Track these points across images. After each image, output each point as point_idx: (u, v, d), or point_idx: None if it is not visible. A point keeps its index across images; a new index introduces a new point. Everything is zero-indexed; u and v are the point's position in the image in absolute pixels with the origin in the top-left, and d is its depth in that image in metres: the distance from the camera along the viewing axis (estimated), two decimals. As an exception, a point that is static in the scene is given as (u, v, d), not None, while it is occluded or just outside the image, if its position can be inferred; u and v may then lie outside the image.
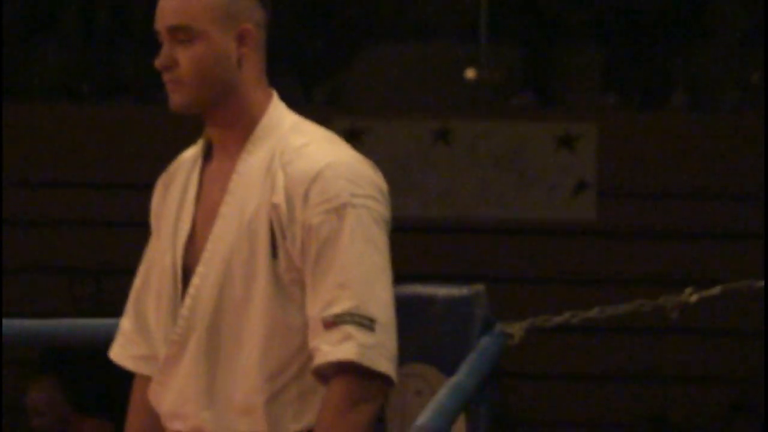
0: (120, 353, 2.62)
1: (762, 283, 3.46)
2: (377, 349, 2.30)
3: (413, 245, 9.09)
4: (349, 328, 2.28)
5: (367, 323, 2.31)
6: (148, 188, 2.64)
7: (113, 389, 8.92)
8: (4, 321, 4.98)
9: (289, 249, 2.37)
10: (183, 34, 2.45)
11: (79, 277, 10.28)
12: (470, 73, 10.96)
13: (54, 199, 11.08)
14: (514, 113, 10.85)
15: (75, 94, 12.23)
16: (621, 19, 11.40)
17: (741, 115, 10.94)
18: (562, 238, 10.31)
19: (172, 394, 2.48)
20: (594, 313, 3.24)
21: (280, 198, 2.39)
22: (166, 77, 2.45)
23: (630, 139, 10.53)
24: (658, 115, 10.82)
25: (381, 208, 2.38)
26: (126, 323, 2.61)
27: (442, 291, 2.99)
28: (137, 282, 2.58)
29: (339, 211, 2.34)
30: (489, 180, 10.19)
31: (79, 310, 9.09)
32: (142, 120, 10.64)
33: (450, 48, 11.11)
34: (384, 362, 2.29)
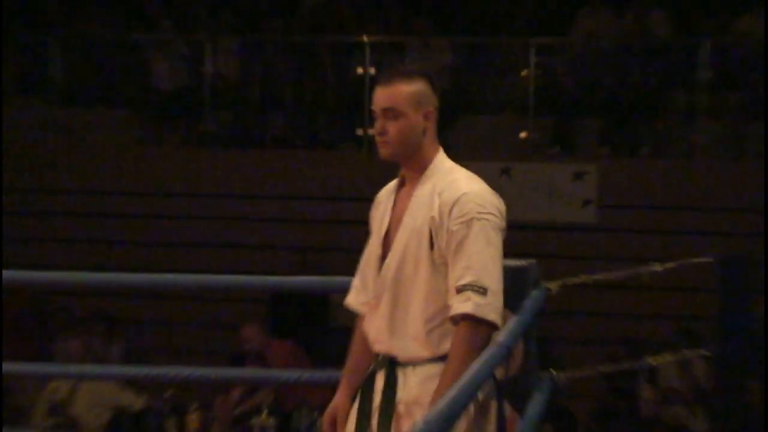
0: (353, 300, 2.95)
1: (699, 260, 4.21)
2: (487, 306, 2.63)
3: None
4: (470, 293, 2.61)
5: (481, 290, 2.62)
6: (367, 200, 3.16)
7: (299, 320, 9.45)
8: (260, 277, 5.87)
9: (439, 244, 2.69)
10: (391, 113, 2.73)
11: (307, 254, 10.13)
12: (523, 134, 10.82)
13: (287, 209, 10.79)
14: (548, 158, 10.86)
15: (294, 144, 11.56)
16: (611, 100, 10.90)
17: (687, 161, 10.73)
18: (575, 233, 10.34)
19: (375, 327, 2.81)
20: (600, 277, 4.12)
21: (436, 213, 2.69)
22: (378, 140, 2.78)
23: (616, 175, 10.49)
24: (634, 161, 10.80)
25: (497, 221, 2.72)
26: (356, 282, 2.94)
27: (511, 263, 3.12)
28: (362, 260, 2.91)
29: (468, 222, 2.67)
30: (533, 199, 10.12)
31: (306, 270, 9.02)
32: (349, 164, 10.52)
33: (511, 119, 10.99)
34: (491, 314, 2.63)
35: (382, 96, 2.75)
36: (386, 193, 2.92)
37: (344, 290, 3.10)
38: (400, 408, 2.76)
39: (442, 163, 2.81)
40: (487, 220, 2.69)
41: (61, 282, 6.91)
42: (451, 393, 2.07)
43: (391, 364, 2.79)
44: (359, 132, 10.61)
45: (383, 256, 2.83)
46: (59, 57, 11.26)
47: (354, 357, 2.96)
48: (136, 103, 11.15)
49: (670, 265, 4.20)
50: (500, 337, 2.69)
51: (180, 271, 6.75)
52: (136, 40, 11.42)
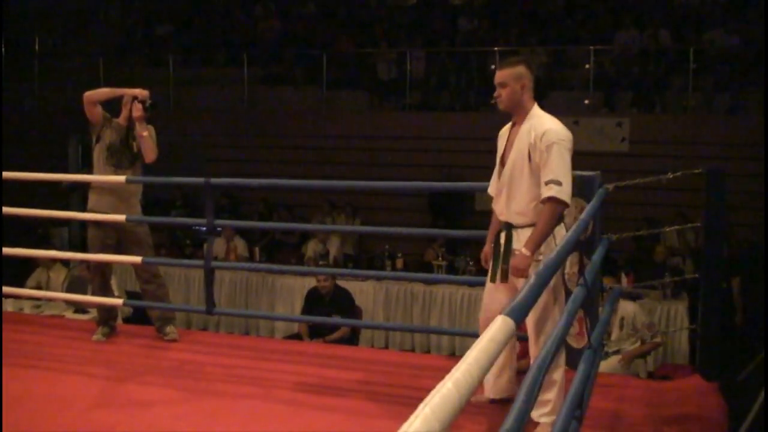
0: (490, 189, 3.57)
1: (694, 171, 4.31)
2: (561, 192, 3.17)
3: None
4: (552, 185, 3.16)
5: (558, 184, 3.16)
6: (491, 139, 3.62)
7: (448, 207, 11.05)
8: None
9: (534, 158, 3.23)
10: (501, 85, 3.35)
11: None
12: (586, 101, 12.34)
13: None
14: (601, 115, 11.97)
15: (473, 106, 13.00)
16: (637, 81, 12.34)
17: (679, 116, 11.88)
18: (617, 157, 11.20)
19: (499, 207, 3.43)
20: (635, 182, 4.50)
21: (532, 140, 3.23)
22: (497, 100, 3.40)
23: (640, 124, 11.72)
24: (650, 115, 11.95)
25: (569, 145, 3.22)
26: (492, 179, 3.55)
27: (585, 173, 3.71)
28: (496, 168, 3.49)
29: (550, 146, 3.19)
30: (593, 137, 11.06)
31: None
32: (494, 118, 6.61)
33: (579, 92, 12.46)
34: (564, 197, 3.17)
35: (497, 75, 3.32)
36: (504, 130, 3.44)
37: (479, 189, 3.75)
38: (515, 251, 3.30)
39: (536, 112, 3.30)
40: (561, 144, 3.16)
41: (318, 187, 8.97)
42: (561, 246, 2.39)
43: (509, 227, 3.31)
44: (492, 102, 9.08)
45: (503, 166, 3.34)
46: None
47: (493, 224, 3.56)
48: (370, 87, 13.65)
49: (676, 174, 4.36)
50: (582, 215, 3.05)
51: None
52: (369, 53, 13.76)
